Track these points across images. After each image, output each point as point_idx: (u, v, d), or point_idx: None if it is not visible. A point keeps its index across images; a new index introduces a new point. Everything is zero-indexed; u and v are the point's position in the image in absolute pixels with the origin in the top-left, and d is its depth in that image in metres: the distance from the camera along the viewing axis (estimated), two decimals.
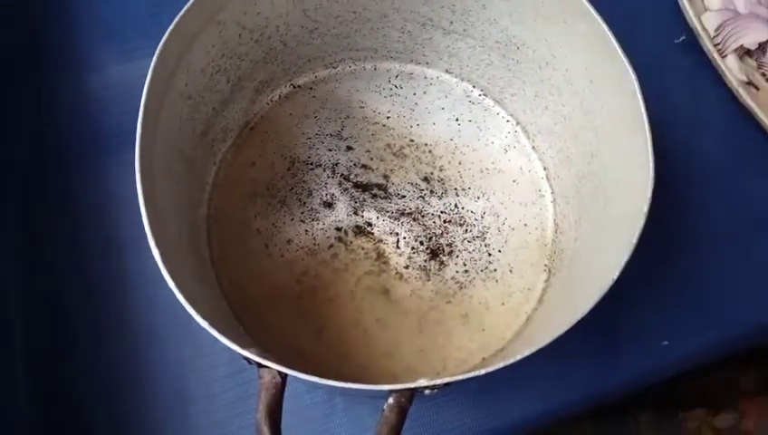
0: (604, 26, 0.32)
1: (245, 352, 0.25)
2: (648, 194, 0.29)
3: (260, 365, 0.26)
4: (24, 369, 0.37)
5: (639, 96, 0.30)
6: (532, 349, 0.26)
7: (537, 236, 0.41)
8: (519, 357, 0.26)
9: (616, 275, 0.27)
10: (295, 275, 0.39)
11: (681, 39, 0.47)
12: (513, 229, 0.41)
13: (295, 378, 0.26)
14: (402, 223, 0.41)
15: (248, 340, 0.35)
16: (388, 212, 0.41)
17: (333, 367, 0.37)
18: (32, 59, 0.45)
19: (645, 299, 0.40)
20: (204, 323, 0.25)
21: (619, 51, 0.31)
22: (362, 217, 0.41)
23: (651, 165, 0.29)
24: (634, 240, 0.28)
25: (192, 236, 0.37)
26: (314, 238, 0.40)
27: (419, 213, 0.41)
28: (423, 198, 0.42)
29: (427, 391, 0.27)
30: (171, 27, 0.31)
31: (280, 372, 0.26)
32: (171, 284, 0.26)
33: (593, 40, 0.33)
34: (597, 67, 0.34)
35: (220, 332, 0.26)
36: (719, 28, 0.45)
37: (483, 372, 0.26)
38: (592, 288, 0.29)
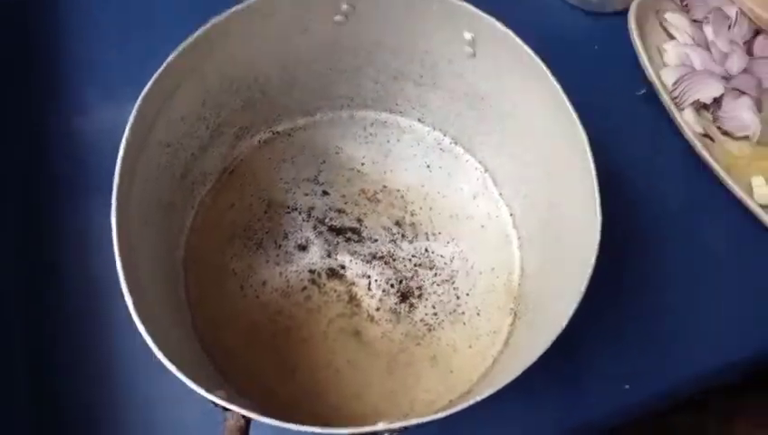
0: (557, 85, 0.34)
1: (209, 396, 0.26)
2: (595, 246, 0.30)
3: (224, 408, 0.27)
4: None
5: (589, 152, 0.32)
6: (475, 399, 0.27)
7: (504, 281, 0.42)
8: (467, 404, 0.27)
9: (564, 323, 0.29)
10: (270, 316, 0.40)
11: (642, 92, 0.49)
12: (481, 273, 0.42)
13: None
14: (374, 266, 0.42)
15: (219, 380, 0.36)
16: (360, 255, 0.42)
17: (306, 407, 0.38)
18: (25, 101, 0.46)
19: (606, 342, 0.41)
20: (171, 367, 0.27)
21: (571, 109, 0.34)
22: (336, 259, 0.42)
23: (598, 218, 0.31)
24: (582, 289, 0.29)
25: (169, 278, 0.38)
26: (288, 280, 0.41)
27: (391, 256, 0.43)
28: (395, 241, 0.43)
29: (385, 434, 0.28)
30: (151, 81, 0.32)
31: (243, 416, 0.27)
32: (141, 329, 0.27)
33: (548, 97, 0.35)
34: (552, 121, 0.36)
35: (187, 374, 0.27)
36: (676, 83, 0.48)
37: (435, 417, 0.27)
38: (551, 334, 0.30)
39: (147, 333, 0.27)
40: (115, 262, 0.29)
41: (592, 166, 0.32)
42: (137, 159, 0.33)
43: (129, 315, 0.28)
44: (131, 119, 0.32)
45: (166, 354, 0.27)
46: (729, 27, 0.51)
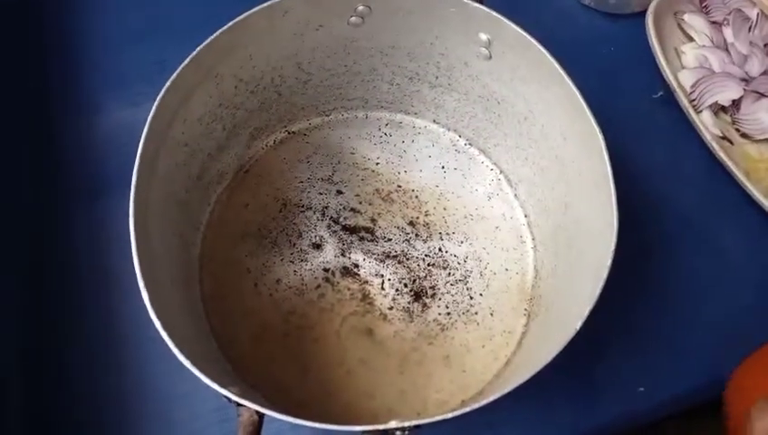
0: (574, 89, 0.34)
1: (224, 391, 0.27)
2: (611, 249, 0.30)
3: (238, 404, 0.27)
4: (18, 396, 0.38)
5: (606, 156, 0.32)
6: (487, 399, 0.27)
7: (518, 281, 0.42)
8: (479, 404, 0.27)
9: (578, 325, 0.29)
10: (283, 314, 0.40)
11: (659, 94, 0.49)
12: (495, 274, 0.42)
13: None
14: (387, 265, 0.42)
15: (233, 377, 0.37)
16: (374, 254, 0.43)
17: (317, 405, 0.38)
18: (42, 102, 0.47)
19: (621, 345, 0.41)
20: (186, 362, 0.27)
21: (588, 113, 0.33)
22: (349, 258, 0.42)
23: (615, 222, 0.31)
24: (597, 292, 0.29)
25: (184, 274, 0.39)
26: (302, 278, 0.42)
27: (404, 256, 0.43)
28: (408, 241, 0.43)
29: (398, 433, 0.28)
30: (168, 83, 0.33)
31: (257, 411, 0.27)
32: (158, 324, 0.28)
33: (565, 101, 0.35)
34: (569, 125, 0.36)
35: (201, 370, 0.27)
36: (694, 85, 0.47)
37: (447, 416, 0.27)
38: (564, 336, 0.30)
39: (163, 329, 0.28)
40: (132, 259, 0.30)
41: (609, 169, 0.32)
42: (155, 158, 0.34)
43: (146, 312, 0.28)
44: (150, 118, 0.33)
45: (181, 350, 0.27)
46: (750, 29, 0.50)
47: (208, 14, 0.47)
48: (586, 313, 0.29)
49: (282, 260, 0.42)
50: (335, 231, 0.43)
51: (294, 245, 0.42)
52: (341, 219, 0.44)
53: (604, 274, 0.30)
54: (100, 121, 0.46)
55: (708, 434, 0.50)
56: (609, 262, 0.30)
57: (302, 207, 0.44)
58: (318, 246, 0.43)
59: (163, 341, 0.28)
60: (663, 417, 0.41)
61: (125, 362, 0.39)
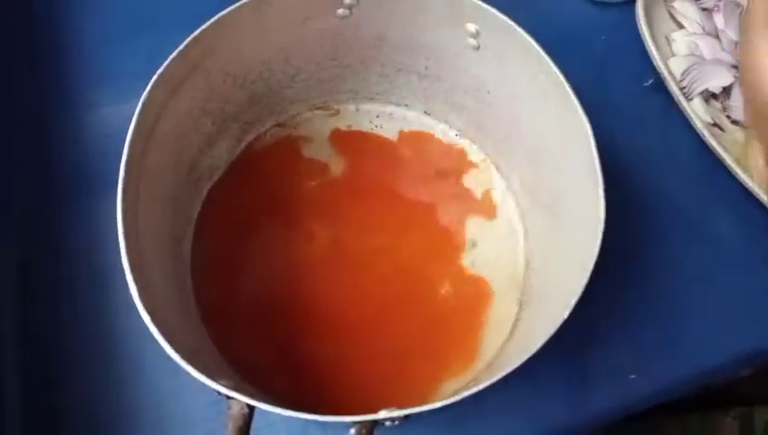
0: (561, 77, 0.34)
1: (212, 384, 0.27)
2: (599, 238, 0.30)
3: (228, 396, 0.27)
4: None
5: (593, 144, 0.32)
6: (477, 387, 0.27)
7: (510, 271, 0.42)
8: (468, 393, 0.27)
9: (566, 314, 0.29)
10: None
11: (649, 82, 0.49)
12: (487, 264, 0.43)
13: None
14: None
15: (226, 369, 0.37)
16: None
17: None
18: (31, 99, 0.47)
19: (613, 334, 0.41)
20: (174, 355, 0.27)
21: (575, 100, 0.33)
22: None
23: (602, 211, 0.31)
24: (584, 281, 0.29)
25: (175, 269, 0.39)
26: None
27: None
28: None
29: (387, 423, 0.28)
30: (155, 77, 0.33)
31: (247, 404, 0.27)
32: (146, 318, 0.28)
33: (552, 89, 0.35)
34: (557, 114, 0.36)
35: (189, 363, 0.27)
36: (685, 73, 0.47)
37: (435, 406, 0.27)
38: (553, 324, 0.30)
39: (151, 322, 0.28)
40: (120, 255, 0.30)
41: (596, 156, 0.32)
42: (142, 154, 0.34)
43: (136, 307, 0.28)
44: (137, 113, 0.32)
45: (170, 343, 0.28)
46: (741, 15, 0.50)
47: (198, 8, 0.47)
48: (573, 302, 0.29)
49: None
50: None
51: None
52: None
53: (590, 263, 0.30)
54: (89, 118, 0.46)
55: (700, 422, 0.51)
56: (596, 251, 0.30)
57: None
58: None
59: (148, 332, 0.28)
60: (655, 404, 0.41)
61: (118, 357, 0.39)
